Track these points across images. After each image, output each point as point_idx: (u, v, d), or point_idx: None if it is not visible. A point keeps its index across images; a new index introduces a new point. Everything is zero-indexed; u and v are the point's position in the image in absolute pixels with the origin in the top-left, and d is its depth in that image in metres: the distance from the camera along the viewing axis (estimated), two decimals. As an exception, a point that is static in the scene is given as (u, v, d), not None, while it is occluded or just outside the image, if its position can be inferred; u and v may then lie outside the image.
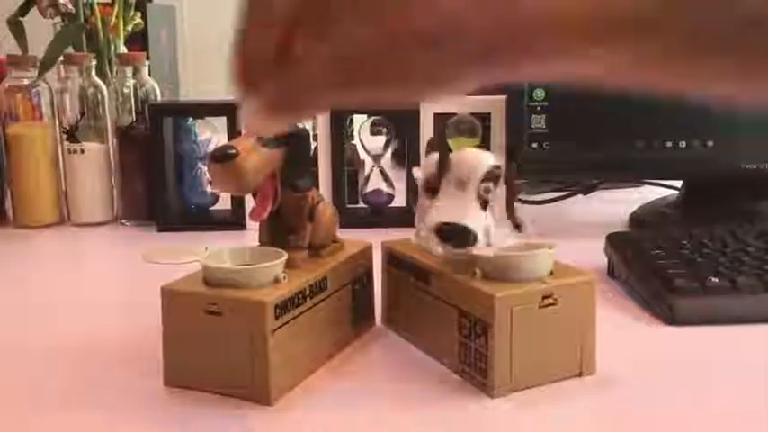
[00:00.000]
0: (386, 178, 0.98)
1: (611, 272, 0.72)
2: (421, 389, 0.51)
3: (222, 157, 0.49)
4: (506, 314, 0.48)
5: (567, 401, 0.49)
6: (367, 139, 1.00)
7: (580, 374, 0.52)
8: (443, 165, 0.53)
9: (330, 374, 0.53)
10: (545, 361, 0.50)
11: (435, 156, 0.54)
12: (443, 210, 0.51)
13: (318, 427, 0.47)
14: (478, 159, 0.52)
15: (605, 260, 0.73)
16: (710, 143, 0.87)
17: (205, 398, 0.49)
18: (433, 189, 0.53)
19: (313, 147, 1.05)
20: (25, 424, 0.48)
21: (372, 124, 1.03)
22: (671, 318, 0.61)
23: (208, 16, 2.82)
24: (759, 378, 0.53)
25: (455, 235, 0.50)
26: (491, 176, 0.51)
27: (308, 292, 0.51)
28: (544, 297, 0.49)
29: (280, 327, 0.48)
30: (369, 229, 0.89)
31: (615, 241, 0.73)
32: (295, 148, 0.53)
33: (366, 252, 0.60)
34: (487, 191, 0.51)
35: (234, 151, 0.49)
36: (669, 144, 0.87)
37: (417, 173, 0.55)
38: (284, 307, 0.49)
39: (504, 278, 0.50)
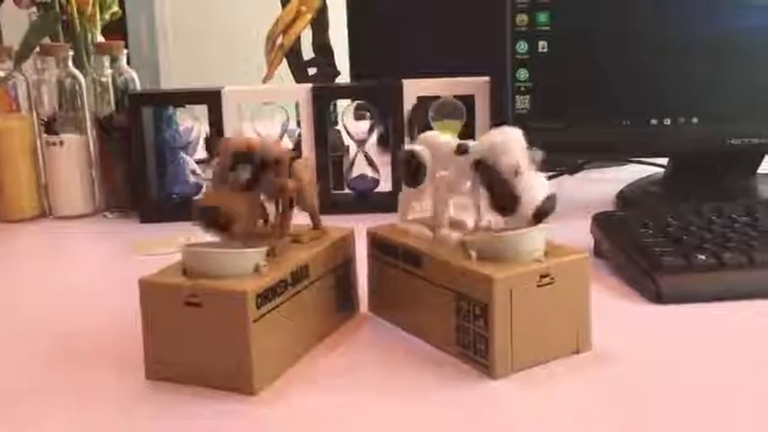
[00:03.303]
0: (371, 163, 0.97)
1: (597, 252, 0.72)
2: (415, 374, 0.50)
3: (219, 227, 0.49)
4: (506, 295, 0.48)
5: (568, 379, 0.49)
6: (351, 124, 0.99)
7: (577, 352, 0.52)
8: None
9: (316, 362, 0.52)
10: (543, 340, 0.50)
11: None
12: (536, 188, 0.50)
13: (305, 416, 0.46)
14: (511, 143, 0.51)
15: (592, 240, 0.73)
16: (695, 120, 0.86)
17: (188, 390, 0.49)
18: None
19: (297, 133, 1.04)
20: (4, 420, 0.47)
21: (356, 109, 1.02)
22: (658, 295, 0.61)
23: (190, 1, 2.79)
24: (746, 353, 0.52)
25: (554, 202, 0.50)
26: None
27: (289, 280, 0.51)
28: (541, 276, 0.49)
29: (262, 316, 0.48)
30: (355, 214, 0.88)
31: (601, 221, 0.72)
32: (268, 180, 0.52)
33: (348, 238, 0.59)
34: (534, 159, 0.51)
35: (223, 220, 0.49)
36: (654, 122, 0.87)
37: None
38: (265, 296, 0.48)
39: (499, 259, 0.49)
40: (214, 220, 0.49)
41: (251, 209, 0.51)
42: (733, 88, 0.86)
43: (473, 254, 0.50)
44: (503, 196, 0.50)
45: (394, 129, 0.93)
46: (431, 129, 0.88)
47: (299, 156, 0.57)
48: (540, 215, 0.50)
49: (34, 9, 1.03)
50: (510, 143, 0.51)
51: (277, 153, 0.51)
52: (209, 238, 0.52)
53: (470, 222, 0.55)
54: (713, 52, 0.85)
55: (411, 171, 0.56)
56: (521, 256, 0.50)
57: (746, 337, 0.55)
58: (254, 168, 0.50)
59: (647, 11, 0.85)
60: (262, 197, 0.54)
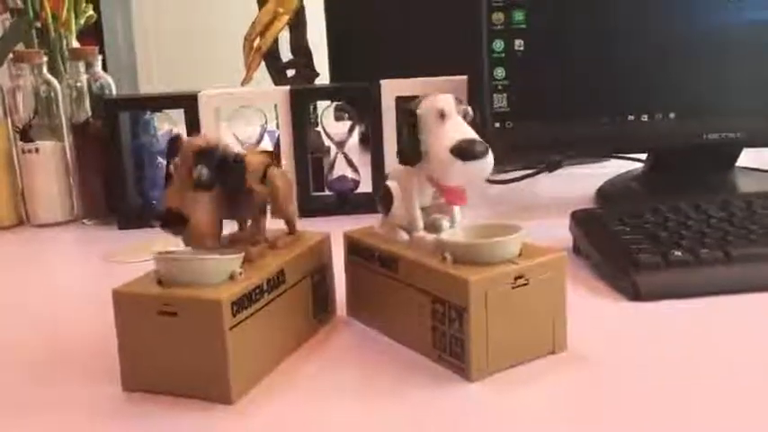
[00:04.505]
0: (351, 164, 0.97)
1: (576, 249, 0.72)
2: (392, 378, 0.50)
3: (175, 227, 0.50)
4: (481, 297, 0.48)
5: (545, 380, 0.49)
6: (331, 124, 0.99)
7: (553, 352, 0.52)
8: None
9: (294, 368, 0.52)
10: (519, 341, 0.50)
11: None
12: (454, 132, 0.51)
13: (283, 424, 0.46)
14: (442, 93, 0.54)
15: (571, 237, 0.73)
16: (672, 115, 0.87)
17: (165, 401, 0.48)
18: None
19: (276, 135, 1.04)
20: (-21, 436, 0.47)
21: (336, 110, 1.02)
22: (635, 293, 0.61)
23: (168, 2, 2.77)
24: (724, 349, 0.53)
25: (481, 148, 0.50)
26: (459, 103, 0.53)
27: (265, 286, 0.50)
28: (516, 278, 0.49)
29: (238, 324, 0.47)
30: (335, 216, 0.88)
31: (579, 218, 0.72)
32: (231, 180, 0.52)
33: (324, 242, 0.59)
34: (467, 112, 0.53)
35: (183, 217, 0.49)
36: (631, 117, 0.87)
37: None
38: (241, 303, 0.48)
39: (474, 261, 0.49)
40: (170, 221, 0.49)
41: (213, 208, 0.50)
42: (709, 83, 0.87)
43: (448, 256, 0.50)
44: (405, 140, 0.53)
45: (372, 129, 0.93)
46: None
47: (277, 163, 0.56)
48: (459, 153, 0.50)
49: (7, 15, 1.02)
50: (439, 94, 0.53)
51: (237, 152, 0.51)
52: (182, 242, 0.51)
53: (446, 224, 0.55)
54: (689, 48, 0.86)
55: (386, 204, 0.56)
56: (496, 258, 0.50)
57: (724, 333, 0.55)
58: (214, 167, 0.49)
59: (622, 8, 0.86)
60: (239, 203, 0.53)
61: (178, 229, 0.50)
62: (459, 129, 0.52)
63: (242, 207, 0.55)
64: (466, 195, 0.53)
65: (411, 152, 0.53)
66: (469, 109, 0.53)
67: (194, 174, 0.49)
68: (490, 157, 0.51)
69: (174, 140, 0.51)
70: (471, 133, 0.52)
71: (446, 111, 0.52)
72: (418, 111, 0.53)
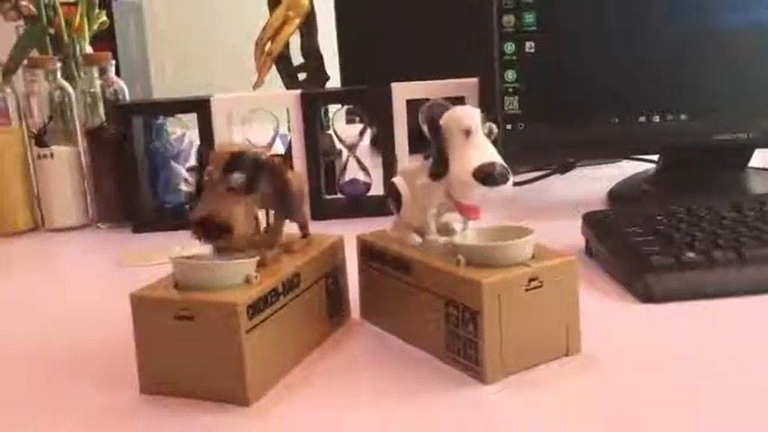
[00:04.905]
0: (362, 167, 0.97)
1: (588, 251, 0.72)
2: (407, 381, 0.51)
3: (212, 233, 0.50)
4: (495, 300, 0.48)
5: (559, 382, 0.49)
6: (342, 127, 0.99)
7: (567, 354, 0.52)
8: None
9: (309, 371, 0.53)
10: (533, 343, 0.50)
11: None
12: (478, 154, 0.51)
13: (300, 425, 0.46)
14: (468, 108, 0.53)
15: (584, 240, 0.73)
16: (683, 116, 0.87)
17: (183, 404, 0.49)
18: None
19: (288, 139, 1.04)
20: (-1, 439, 0.48)
21: (347, 113, 1.02)
22: (648, 295, 0.61)
23: (179, 7, 2.79)
24: (738, 351, 0.53)
25: (503, 173, 0.50)
26: (485, 119, 0.53)
27: (281, 289, 0.51)
28: (530, 280, 0.49)
29: (254, 327, 0.48)
30: (347, 219, 0.89)
31: (591, 221, 0.73)
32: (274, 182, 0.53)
33: (337, 245, 0.59)
34: (491, 130, 0.52)
35: (225, 225, 0.50)
36: (642, 119, 0.87)
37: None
38: (257, 307, 0.48)
39: (487, 264, 0.50)
40: (212, 230, 0.50)
41: (247, 214, 0.51)
42: (721, 84, 0.87)
43: (461, 259, 0.50)
44: (437, 154, 0.52)
45: (383, 132, 0.93)
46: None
47: (289, 166, 0.57)
48: (481, 179, 0.50)
49: (21, 22, 1.03)
50: (466, 109, 0.53)
51: (270, 158, 0.52)
52: (205, 247, 0.52)
53: (458, 226, 0.55)
54: (700, 49, 0.86)
55: (396, 202, 0.57)
56: (509, 260, 0.50)
57: (738, 335, 0.55)
58: (249, 173, 0.50)
59: (632, 9, 0.86)
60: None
61: (215, 235, 0.51)
62: (483, 149, 0.51)
63: (280, 207, 0.56)
64: (480, 211, 0.53)
65: (439, 169, 0.52)
66: (494, 126, 0.53)
67: (231, 181, 0.50)
68: (510, 182, 0.51)
69: (203, 151, 0.52)
70: (494, 155, 0.51)
71: (472, 129, 0.51)
72: (441, 122, 0.52)
